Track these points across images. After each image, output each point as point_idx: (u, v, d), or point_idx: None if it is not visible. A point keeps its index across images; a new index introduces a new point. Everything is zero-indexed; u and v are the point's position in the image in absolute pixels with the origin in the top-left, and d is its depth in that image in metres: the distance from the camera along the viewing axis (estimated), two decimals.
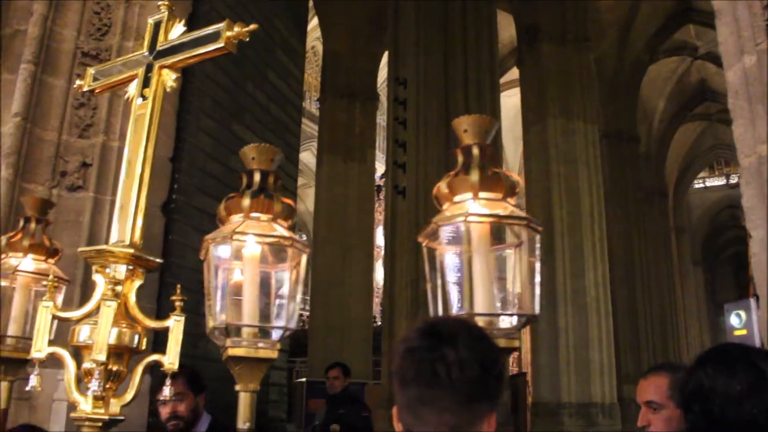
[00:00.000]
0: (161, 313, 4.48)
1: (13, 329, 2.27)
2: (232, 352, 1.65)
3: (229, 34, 1.82)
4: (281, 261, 1.77)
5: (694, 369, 1.65)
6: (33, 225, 2.34)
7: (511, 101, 17.61)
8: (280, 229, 1.75)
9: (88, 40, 4.42)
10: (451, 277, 1.65)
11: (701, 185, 33.89)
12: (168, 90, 1.93)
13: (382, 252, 13.47)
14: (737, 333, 4.69)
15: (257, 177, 1.75)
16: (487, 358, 1.17)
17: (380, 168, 18.72)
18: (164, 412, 3.10)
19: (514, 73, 15.58)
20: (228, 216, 1.77)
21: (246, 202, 1.73)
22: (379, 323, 15.46)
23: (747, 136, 2.67)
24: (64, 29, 4.36)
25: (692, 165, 27.97)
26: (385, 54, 14.11)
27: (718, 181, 34.40)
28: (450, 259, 1.66)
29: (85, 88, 2.09)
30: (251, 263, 1.71)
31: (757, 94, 2.61)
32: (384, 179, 13.40)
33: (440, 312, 1.67)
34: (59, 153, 4.20)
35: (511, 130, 20.81)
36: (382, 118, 18.75)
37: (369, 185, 15.28)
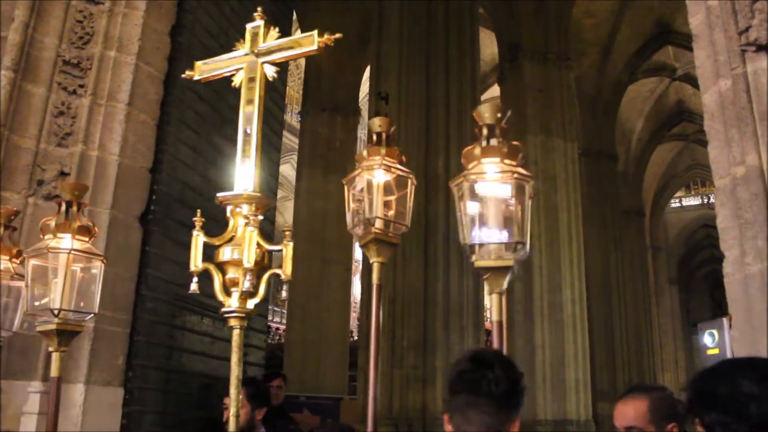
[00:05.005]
0: (137, 323, 4.42)
1: (64, 303, 2.48)
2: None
3: (320, 39, 2.33)
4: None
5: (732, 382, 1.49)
6: (75, 208, 2.59)
7: None
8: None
9: (70, 48, 4.37)
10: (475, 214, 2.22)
11: (677, 204, 34.28)
12: (270, 79, 2.42)
13: (360, 266, 13.45)
14: (710, 352, 4.74)
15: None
16: (515, 378, 1.63)
17: None
18: (225, 414, 3.45)
19: (494, 91, 15.73)
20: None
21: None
22: (356, 338, 15.42)
23: (722, 158, 2.72)
24: (45, 37, 4.31)
25: (669, 184, 28.36)
26: (368, 68, 14.18)
27: (695, 201, 34.81)
28: (481, 201, 2.21)
29: (196, 77, 2.55)
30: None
31: (732, 117, 2.66)
32: None
33: (465, 234, 2.21)
34: (36, 161, 4.14)
35: None
36: (363, 132, 18.78)
37: None
